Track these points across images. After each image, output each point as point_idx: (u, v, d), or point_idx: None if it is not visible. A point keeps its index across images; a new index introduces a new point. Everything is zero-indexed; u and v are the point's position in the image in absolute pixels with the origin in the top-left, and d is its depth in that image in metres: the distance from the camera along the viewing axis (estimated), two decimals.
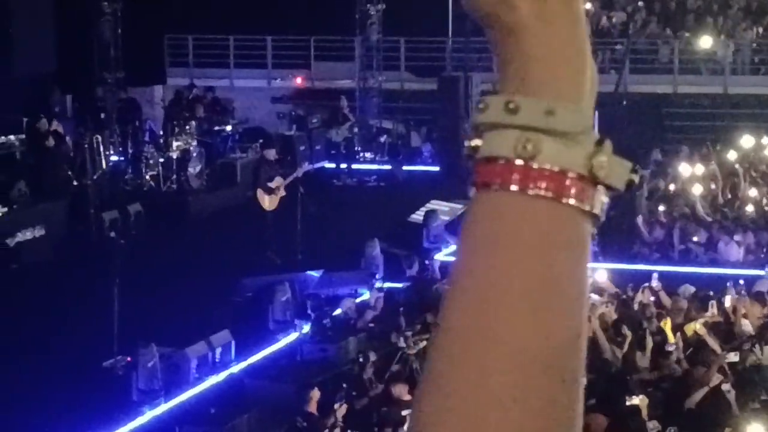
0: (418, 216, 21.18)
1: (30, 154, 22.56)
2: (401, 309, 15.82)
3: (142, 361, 13.75)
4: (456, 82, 26.30)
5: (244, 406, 13.69)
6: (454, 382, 1.02)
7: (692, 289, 16.35)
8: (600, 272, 16.01)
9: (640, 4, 31.55)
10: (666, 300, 15.92)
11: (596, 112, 1.11)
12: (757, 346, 14.03)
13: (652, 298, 15.96)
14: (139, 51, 26.90)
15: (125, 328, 14.42)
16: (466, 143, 1.08)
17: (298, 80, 30.74)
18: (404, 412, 12.02)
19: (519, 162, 1.04)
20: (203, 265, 18.23)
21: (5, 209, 19.77)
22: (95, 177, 22.16)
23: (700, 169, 23.44)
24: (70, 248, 19.68)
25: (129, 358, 14.20)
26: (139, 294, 15.30)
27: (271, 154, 20.64)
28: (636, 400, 12.23)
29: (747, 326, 14.92)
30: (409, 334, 14.40)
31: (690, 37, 30.21)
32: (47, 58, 26.12)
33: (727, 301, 15.63)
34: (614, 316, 15.13)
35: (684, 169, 23.49)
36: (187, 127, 24.46)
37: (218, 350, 14.63)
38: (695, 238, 20.17)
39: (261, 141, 24.31)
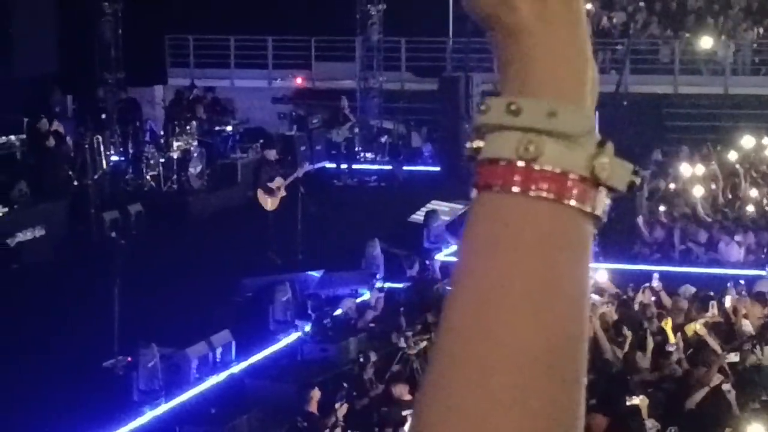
0: (418, 216, 21.18)
1: (30, 154, 22.57)
2: (402, 309, 15.82)
3: (142, 361, 13.75)
4: (457, 83, 26.30)
5: (244, 406, 13.69)
6: (455, 382, 1.02)
7: (693, 289, 16.35)
8: (601, 272, 16.01)
9: (641, 4, 31.55)
10: (667, 300, 15.92)
11: (597, 113, 1.11)
12: (757, 346, 14.02)
13: (653, 299, 15.96)
14: (140, 51, 26.90)
15: (126, 328, 14.42)
16: (468, 145, 1.08)
17: (299, 80, 30.74)
18: (405, 413, 12.02)
19: (521, 163, 1.04)
20: (204, 265, 18.23)
21: (6, 209, 19.77)
22: (96, 177, 22.16)
23: (700, 169, 23.44)
24: (70, 248, 19.69)
25: (129, 358, 14.19)
26: (139, 294, 15.31)
27: (272, 154, 20.65)
28: (636, 401, 12.24)
29: (747, 326, 14.92)
30: (409, 334, 14.40)
31: (690, 37, 30.21)
32: (48, 58, 26.12)
33: (728, 302, 15.63)
34: (615, 317, 15.14)
35: (684, 169, 23.49)
36: (188, 127, 24.46)
37: (219, 350, 14.64)
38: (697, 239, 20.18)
39: (261, 141, 24.32)
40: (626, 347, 14.10)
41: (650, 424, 11.94)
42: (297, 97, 30.25)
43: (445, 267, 18.44)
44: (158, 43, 29.71)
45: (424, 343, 14.07)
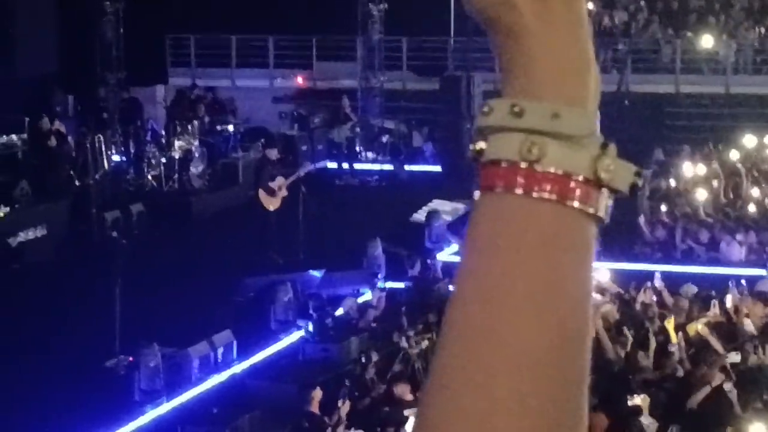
0: (420, 216, 21.18)
1: (32, 153, 22.58)
2: (403, 309, 15.82)
3: (144, 361, 13.76)
4: (458, 82, 26.29)
5: (245, 406, 13.69)
6: (457, 382, 1.02)
7: (694, 288, 16.35)
8: (602, 272, 16.01)
9: (642, 3, 31.55)
10: (669, 299, 15.92)
11: (598, 112, 1.11)
12: (759, 346, 14.01)
13: (655, 298, 15.96)
14: (141, 51, 26.91)
15: (127, 327, 14.43)
16: (471, 146, 1.08)
17: (300, 80, 30.75)
18: (406, 412, 12.02)
19: (523, 165, 1.04)
20: (205, 265, 18.24)
21: (7, 209, 19.78)
22: (97, 177, 22.17)
23: (702, 168, 23.44)
24: (72, 248, 19.69)
25: (131, 358, 14.20)
26: (141, 294, 15.31)
27: (273, 153, 20.64)
28: (638, 400, 12.24)
29: (749, 326, 14.92)
30: (411, 333, 14.40)
31: (692, 36, 30.21)
32: (49, 58, 26.14)
33: (729, 301, 15.62)
34: (616, 316, 15.13)
35: (686, 168, 23.49)
36: (189, 126, 24.47)
37: (220, 350, 14.64)
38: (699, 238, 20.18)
39: (263, 141, 24.31)
40: (628, 347, 14.10)
41: (647, 421, 11.92)
42: (298, 97, 30.26)
43: (447, 267, 18.43)
44: (159, 42, 29.72)
45: (426, 343, 14.07)
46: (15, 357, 14.48)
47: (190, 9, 28.30)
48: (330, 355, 15.29)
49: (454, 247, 19.74)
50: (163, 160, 23.87)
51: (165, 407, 13.70)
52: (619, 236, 18.63)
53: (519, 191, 1.04)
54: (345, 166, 27.12)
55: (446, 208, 21.42)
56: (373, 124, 28.78)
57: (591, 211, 1.06)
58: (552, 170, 1.04)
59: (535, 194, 1.04)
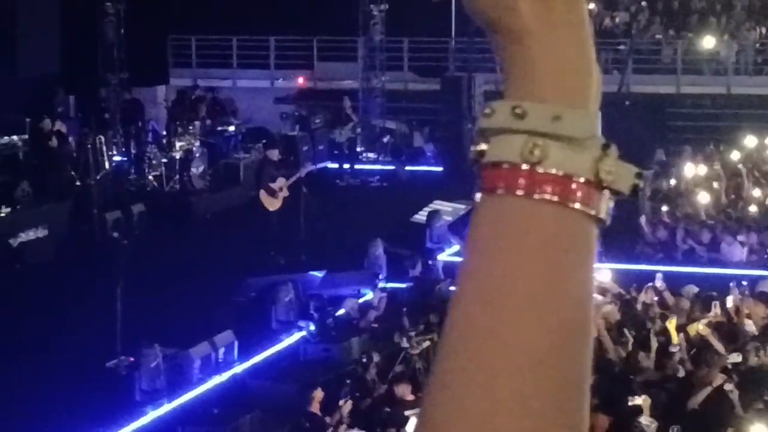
0: (421, 216, 21.18)
1: (33, 154, 22.58)
2: (404, 309, 15.82)
3: (145, 362, 13.76)
4: (459, 83, 26.30)
5: (247, 406, 13.70)
6: (459, 383, 1.02)
7: (695, 289, 16.35)
8: (603, 272, 16.01)
9: (644, 4, 31.55)
10: (670, 300, 15.93)
11: (599, 113, 1.11)
12: (761, 346, 14.00)
13: (656, 298, 15.96)
14: (143, 51, 26.92)
15: (128, 328, 14.43)
16: (472, 147, 1.08)
17: (301, 80, 30.76)
18: (407, 412, 12.03)
19: (525, 166, 1.04)
20: (206, 266, 18.24)
21: (8, 209, 19.78)
22: (98, 177, 22.17)
23: (703, 169, 23.45)
24: (73, 248, 19.69)
25: (132, 359, 14.20)
26: (142, 294, 15.31)
27: (274, 154, 20.64)
28: (638, 400, 12.24)
29: (750, 326, 14.92)
30: (412, 334, 14.41)
31: (693, 37, 30.21)
32: (51, 58, 26.15)
33: (730, 302, 15.62)
34: (617, 317, 15.14)
35: (687, 169, 23.50)
36: (191, 127, 24.47)
37: (221, 350, 14.65)
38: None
39: (264, 141, 24.31)
40: (629, 347, 14.10)
41: (647, 421, 11.92)
42: (299, 97, 30.26)
43: (448, 267, 18.44)
44: (161, 43, 29.74)
45: (427, 343, 14.08)
46: (16, 357, 14.48)
47: (191, 10, 28.31)
48: (331, 356, 15.30)
49: (455, 247, 19.75)
50: (164, 160, 23.87)
51: (166, 407, 13.70)
52: (620, 237, 18.62)
53: (520, 193, 1.04)
54: (346, 166, 27.12)
55: (447, 209, 21.42)
56: (374, 124, 28.78)
57: (592, 212, 1.06)
58: (553, 172, 1.04)
59: (536, 196, 1.04)
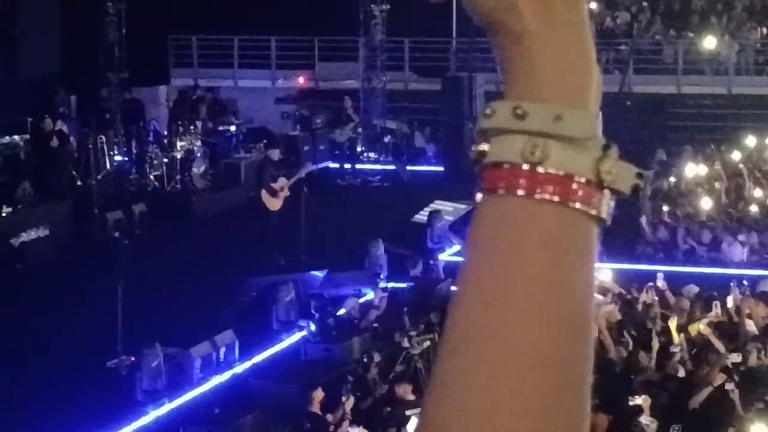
0: (422, 216, 21.19)
1: (34, 154, 22.57)
2: (405, 309, 15.82)
3: (146, 361, 13.76)
4: (460, 83, 26.28)
5: (247, 406, 13.70)
6: (460, 384, 1.03)
7: (696, 289, 16.35)
8: (604, 272, 16.01)
9: (645, 4, 31.54)
10: (671, 299, 15.93)
11: (600, 114, 1.11)
12: (761, 346, 14.01)
13: (656, 298, 15.96)
14: (144, 51, 26.91)
15: (129, 328, 14.43)
16: (473, 148, 1.09)
17: (302, 80, 30.76)
18: (408, 412, 12.03)
19: (526, 167, 1.05)
20: (207, 265, 18.23)
21: (10, 209, 19.78)
22: (99, 177, 22.17)
23: (704, 169, 23.46)
24: (74, 248, 19.69)
25: (133, 358, 14.20)
26: (143, 294, 15.30)
27: (275, 154, 20.63)
28: (639, 400, 12.24)
29: (751, 326, 14.92)
30: (413, 334, 14.41)
31: (694, 37, 30.21)
32: (52, 58, 26.15)
33: (730, 301, 15.63)
34: (618, 316, 15.14)
35: (688, 169, 23.50)
36: (192, 127, 24.47)
37: (222, 350, 14.64)
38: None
39: (265, 141, 24.29)
40: (630, 347, 14.10)
41: (647, 420, 11.92)
42: (300, 97, 30.26)
43: (449, 267, 18.45)
44: (162, 43, 29.73)
45: (428, 343, 14.08)
46: (17, 357, 14.48)
47: (192, 9, 28.31)
48: (332, 356, 15.30)
49: (456, 247, 19.75)
50: (166, 160, 23.86)
51: (167, 407, 13.70)
52: (621, 237, 18.64)
53: (521, 193, 1.05)
54: (347, 166, 27.11)
55: (448, 209, 21.43)
56: (375, 124, 28.78)
57: (593, 212, 1.06)
58: (554, 172, 1.05)
59: (537, 196, 1.04)
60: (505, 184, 1.05)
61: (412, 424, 11.80)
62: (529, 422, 1.01)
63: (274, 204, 19.48)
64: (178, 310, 15.81)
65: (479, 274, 1.05)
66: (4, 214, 19.64)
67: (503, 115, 1.07)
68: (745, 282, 16.36)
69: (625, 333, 14.37)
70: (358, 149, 27.78)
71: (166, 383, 13.80)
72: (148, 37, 27.15)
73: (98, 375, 14.11)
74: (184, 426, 13.17)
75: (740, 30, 30.63)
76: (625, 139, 19.23)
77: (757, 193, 22.46)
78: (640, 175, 1.08)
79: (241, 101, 29.26)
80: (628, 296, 16.18)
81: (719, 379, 12.72)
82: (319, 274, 17.72)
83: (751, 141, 25.42)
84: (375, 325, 16.09)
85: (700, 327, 14.57)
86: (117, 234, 18.38)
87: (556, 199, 1.04)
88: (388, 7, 28.34)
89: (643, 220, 20.65)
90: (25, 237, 19.28)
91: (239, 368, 14.77)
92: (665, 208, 21.63)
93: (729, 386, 12.59)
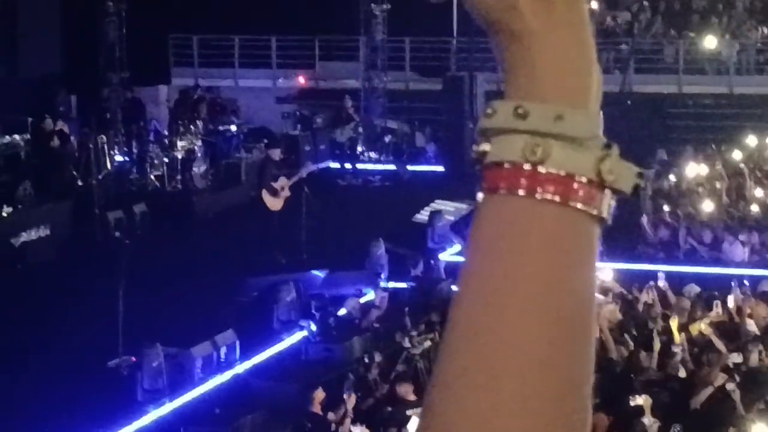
0: (422, 216, 21.20)
1: (35, 154, 22.57)
2: (406, 309, 15.83)
3: (146, 361, 13.76)
4: (461, 82, 26.30)
5: (248, 406, 13.70)
6: (460, 384, 1.03)
7: (697, 288, 16.36)
8: (605, 272, 16.02)
9: (645, 3, 31.53)
10: (672, 299, 15.94)
11: (600, 113, 1.11)
12: (762, 346, 14.00)
13: (657, 298, 15.96)
14: (144, 51, 26.92)
15: (130, 327, 14.42)
16: (474, 148, 1.09)
17: (302, 80, 30.76)
18: (409, 412, 12.03)
19: (527, 166, 1.05)
20: (208, 265, 18.23)
21: (10, 209, 19.78)
22: (100, 177, 22.18)
23: (704, 169, 23.46)
24: (74, 248, 19.68)
25: (134, 358, 14.20)
26: (143, 294, 15.30)
27: (276, 154, 20.62)
28: (639, 400, 12.24)
29: (752, 326, 14.92)
30: (413, 334, 14.41)
31: (695, 37, 30.20)
32: (52, 58, 26.16)
33: (731, 301, 15.63)
34: (619, 316, 15.14)
35: (689, 169, 23.51)
36: (192, 127, 24.47)
37: (223, 350, 14.65)
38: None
39: (266, 141, 24.26)
40: (630, 347, 14.10)
41: (649, 421, 11.92)
42: (301, 97, 30.27)
43: (450, 267, 18.46)
44: (162, 42, 29.73)
45: (428, 343, 14.08)
46: (17, 357, 14.48)
47: (192, 9, 28.31)
48: (333, 355, 15.30)
49: (457, 247, 19.75)
50: (166, 160, 23.86)
51: (167, 407, 13.70)
52: (622, 236, 18.64)
53: (522, 193, 1.05)
54: (348, 166, 27.12)
55: (449, 209, 21.43)
56: (376, 124, 28.78)
57: (594, 212, 1.06)
58: (555, 172, 1.04)
59: (538, 196, 1.04)
60: (506, 184, 1.05)
61: (413, 424, 11.80)
62: (529, 422, 1.01)
63: (275, 204, 19.48)
64: (178, 310, 15.81)
65: (480, 274, 1.05)
66: (4, 214, 19.64)
67: (504, 115, 1.06)
68: (746, 282, 16.37)
69: (626, 333, 14.36)
70: (359, 149, 27.79)
71: (167, 383, 13.81)
72: (148, 36, 27.15)
73: (99, 375, 14.11)
74: (184, 426, 13.17)
75: (741, 29, 30.63)
76: (626, 139, 19.22)
77: (758, 192, 22.46)
78: (641, 175, 1.08)
79: (241, 101, 29.27)
80: (629, 296, 16.18)
81: (720, 379, 12.72)
82: (320, 273, 17.73)
83: (752, 140, 25.42)
84: (376, 325, 16.09)
85: (701, 326, 14.57)
86: (118, 234, 18.39)
87: (557, 198, 1.04)
88: (389, 6, 28.35)
89: (644, 219, 20.65)
90: (25, 237, 19.28)
91: (240, 368, 14.78)
92: (666, 207, 21.62)
93: (730, 386, 12.59)
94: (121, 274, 14.74)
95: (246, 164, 24.43)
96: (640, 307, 15.77)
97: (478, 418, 1.01)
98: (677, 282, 16.84)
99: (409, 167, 27.02)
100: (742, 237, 19.92)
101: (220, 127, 26.28)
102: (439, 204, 21.66)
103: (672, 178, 23.67)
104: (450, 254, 19.66)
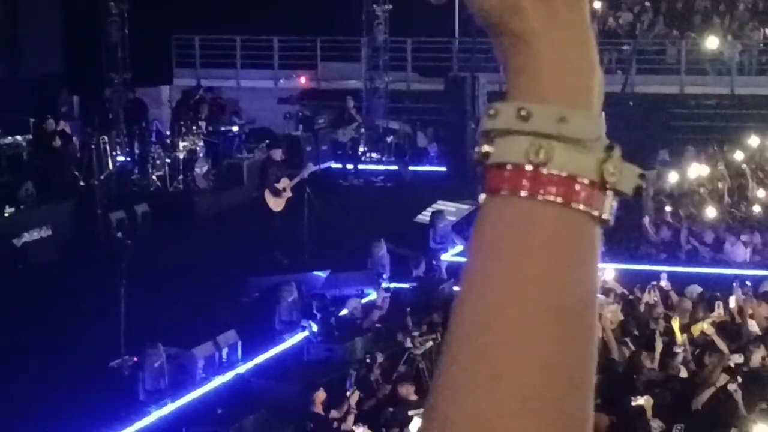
0: (424, 216, 21.18)
1: (37, 154, 22.59)
2: (408, 309, 15.82)
3: (148, 361, 13.76)
4: (462, 83, 26.28)
5: (250, 406, 13.69)
6: (462, 384, 1.03)
7: (699, 289, 16.35)
8: (607, 272, 16.01)
9: (647, 4, 31.53)
10: (674, 300, 15.93)
11: (603, 113, 1.11)
12: (764, 346, 13.99)
13: (659, 298, 15.95)
14: (146, 51, 26.90)
15: (132, 328, 14.43)
16: (477, 149, 1.09)
17: (304, 80, 30.76)
18: (411, 412, 12.03)
19: (529, 168, 1.05)
20: (210, 266, 18.24)
21: (12, 209, 19.78)
22: (102, 177, 22.18)
23: (706, 170, 23.46)
24: (76, 248, 19.69)
25: (136, 358, 14.20)
26: (145, 294, 15.31)
27: (278, 154, 20.63)
28: (641, 401, 12.23)
29: (753, 326, 14.91)
30: (415, 334, 14.40)
31: (696, 37, 30.19)
32: (54, 58, 26.14)
33: (732, 302, 15.62)
34: (621, 317, 15.13)
35: (691, 169, 23.50)
36: (194, 127, 24.48)
37: (225, 350, 14.65)
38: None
39: (267, 141, 24.27)
40: (632, 347, 14.10)
41: (655, 424, 11.93)
42: (303, 98, 30.27)
43: (452, 267, 18.45)
44: (164, 43, 29.70)
45: (430, 343, 14.08)
46: (19, 357, 14.49)
47: (195, 10, 28.32)
48: (334, 356, 15.29)
49: (459, 247, 19.75)
50: (168, 160, 23.87)
51: (169, 407, 13.70)
52: (623, 237, 18.64)
53: (524, 194, 1.05)
54: (349, 166, 27.12)
55: (451, 209, 21.41)
56: (378, 124, 28.78)
57: (595, 213, 1.06)
58: (557, 173, 1.05)
59: (540, 197, 1.04)
60: (508, 185, 1.05)
61: (415, 424, 11.81)
62: (529, 422, 1.01)
63: (277, 204, 19.48)
64: (180, 311, 15.82)
65: (481, 274, 1.05)
66: (6, 215, 19.65)
67: (507, 116, 1.06)
68: (747, 282, 16.36)
69: (628, 333, 14.36)
70: (361, 149, 27.78)
71: (169, 383, 13.81)
72: (150, 37, 27.13)
73: (101, 375, 14.11)
74: (186, 426, 13.16)
75: (743, 30, 30.63)
76: (628, 140, 19.22)
77: (760, 193, 22.45)
78: (642, 176, 1.08)
79: (243, 101, 29.28)
80: (631, 296, 16.18)
81: (722, 379, 12.71)
82: (322, 274, 17.72)
83: (753, 141, 25.41)
84: (378, 325, 16.09)
85: (704, 327, 14.56)
86: (119, 234, 18.37)
87: (559, 200, 1.04)
88: (391, 7, 28.35)
89: (646, 220, 20.64)
90: (27, 237, 19.28)
91: (242, 368, 14.78)
92: (668, 208, 21.61)
93: (732, 387, 12.59)
94: (122, 274, 14.74)
95: (248, 165, 24.43)
96: (642, 307, 15.76)
97: (479, 418, 1.01)
98: (679, 282, 16.83)
99: (411, 168, 27.02)
100: (743, 237, 19.91)
101: (222, 128, 26.29)
102: (441, 204, 21.64)
103: (674, 178, 23.65)
104: (452, 255, 19.66)
